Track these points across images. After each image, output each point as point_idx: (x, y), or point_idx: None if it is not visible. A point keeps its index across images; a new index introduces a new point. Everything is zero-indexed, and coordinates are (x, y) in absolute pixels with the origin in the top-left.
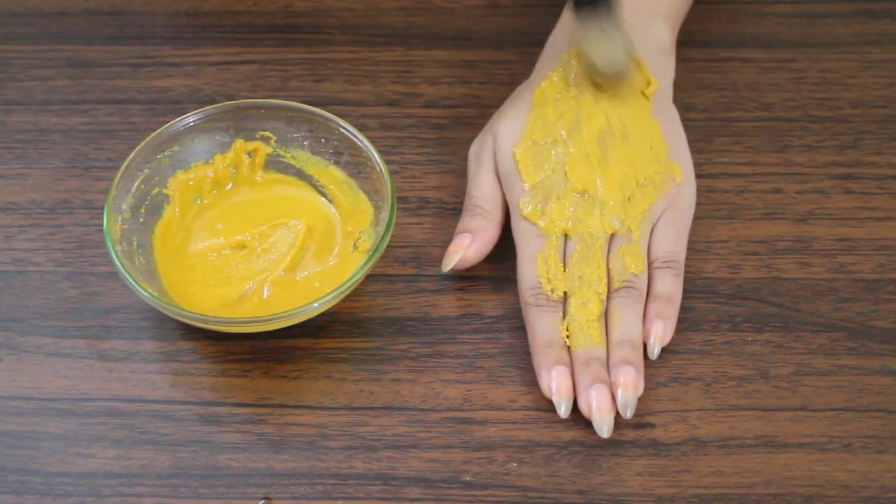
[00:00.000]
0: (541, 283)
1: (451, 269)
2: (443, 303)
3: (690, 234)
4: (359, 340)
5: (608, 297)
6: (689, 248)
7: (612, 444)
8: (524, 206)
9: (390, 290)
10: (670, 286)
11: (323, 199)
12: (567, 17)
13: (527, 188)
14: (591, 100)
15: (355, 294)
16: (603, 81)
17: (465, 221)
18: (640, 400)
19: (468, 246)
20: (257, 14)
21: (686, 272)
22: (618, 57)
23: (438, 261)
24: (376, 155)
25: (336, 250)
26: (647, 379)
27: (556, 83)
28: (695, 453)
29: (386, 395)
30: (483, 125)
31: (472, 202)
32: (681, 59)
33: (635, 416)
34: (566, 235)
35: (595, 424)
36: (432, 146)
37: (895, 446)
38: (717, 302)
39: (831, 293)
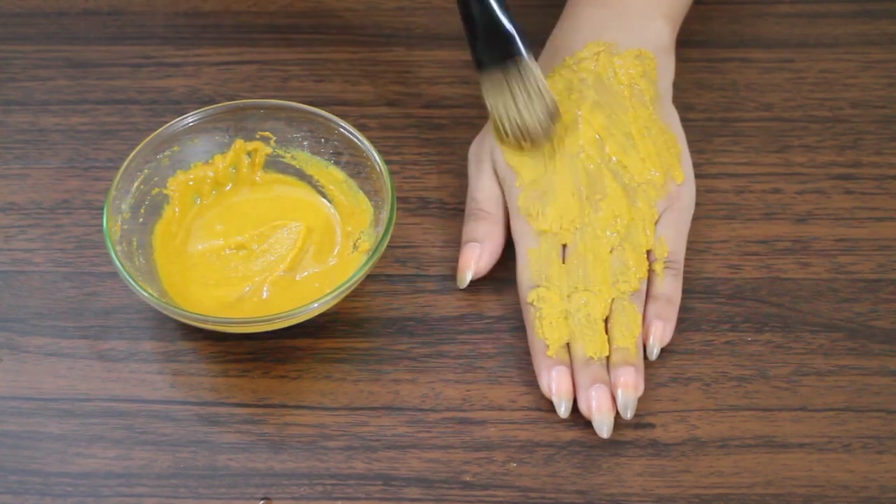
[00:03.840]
0: (541, 283)
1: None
2: (443, 303)
3: (690, 234)
4: (359, 340)
5: (608, 298)
6: (688, 248)
7: (612, 445)
8: (523, 206)
9: (390, 290)
10: (670, 286)
11: (323, 199)
12: (567, 18)
13: (526, 188)
14: (591, 102)
15: (355, 294)
16: (514, 144)
17: (471, 228)
18: (640, 400)
19: (479, 257)
20: (257, 14)
21: (686, 272)
22: (531, 120)
23: (438, 261)
24: (376, 155)
25: (336, 250)
26: (647, 379)
27: (556, 84)
28: (695, 453)
29: (386, 395)
30: (483, 125)
31: (475, 205)
32: (681, 59)
33: (635, 416)
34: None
35: (595, 425)
36: (432, 146)
37: (895, 446)
38: (716, 302)
39: (831, 293)
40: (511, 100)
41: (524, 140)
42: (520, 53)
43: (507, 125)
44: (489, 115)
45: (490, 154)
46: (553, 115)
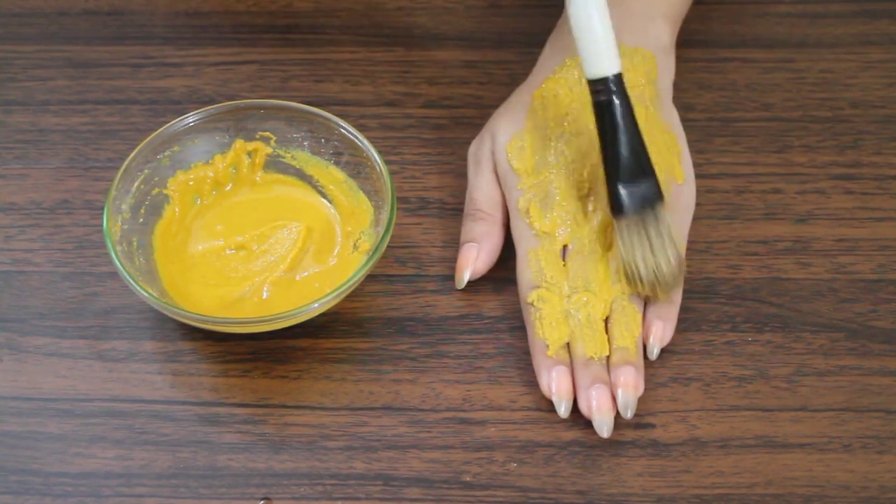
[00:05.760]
0: (541, 284)
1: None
2: (443, 303)
3: (690, 234)
4: (359, 340)
5: (608, 298)
6: (689, 248)
7: (612, 445)
8: (524, 207)
9: (390, 290)
10: None
11: (323, 199)
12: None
13: (525, 189)
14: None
15: (355, 294)
16: (648, 292)
17: (469, 228)
18: (640, 400)
19: (476, 257)
20: (257, 14)
21: (686, 272)
22: (666, 267)
23: (438, 261)
24: (376, 155)
25: (336, 251)
26: (647, 379)
27: (556, 85)
28: (695, 453)
29: (386, 395)
30: (483, 125)
31: (474, 206)
32: (681, 59)
33: (635, 416)
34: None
35: (595, 425)
36: (432, 146)
37: (895, 446)
38: (717, 302)
39: (831, 293)
40: (649, 248)
41: (658, 287)
42: (661, 198)
43: (642, 274)
44: (622, 263)
45: (490, 154)
46: (681, 261)
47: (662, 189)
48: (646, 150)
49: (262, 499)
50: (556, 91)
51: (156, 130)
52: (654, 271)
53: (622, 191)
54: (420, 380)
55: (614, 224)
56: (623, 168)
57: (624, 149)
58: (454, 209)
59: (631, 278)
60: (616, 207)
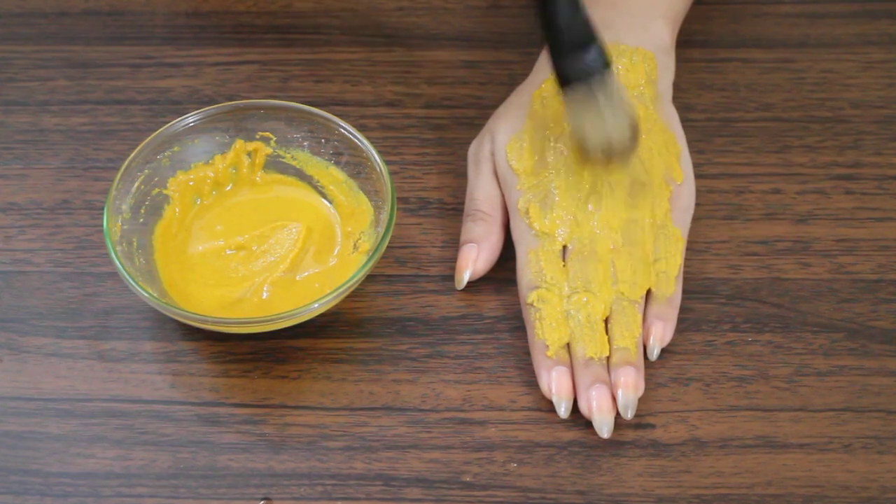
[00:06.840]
0: (541, 284)
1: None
2: (443, 303)
3: (690, 235)
4: (359, 341)
5: (608, 298)
6: (689, 248)
7: (612, 445)
8: (523, 208)
9: (390, 290)
10: (670, 287)
11: (323, 199)
12: None
13: (525, 189)
14: None
15: (355, 294)
16: (601, 162)
17: (468, 229)
18: (640, 400)
19: (476, 258)
20: (257, 14)
21: (686, 272)
22: (618, 135)
23: (438, 261)
24: (376, 155)
25: (336, 251)
26: (648, 379)
27: (556, 85)
28: (695, 454)
29: (386, 396)
30: (483, 125)
31: (474, 206)
32: (681, 59)
33: (635, 416)
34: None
35: (595, 425)
36: (432, 146)
37: (895, 446)
38: (717, 302)
39: (831, 293)
40: (599, 116)
41: (611, 157)
42: (609, 65)
43: (593, 144)
44: (572, 134)
45: (489, 155)
46: (635, 127)
47: (661, 189)
48: (587, 18)
49: (262, 499)
50: (556, 91)
51: (156, 130)
52: (604, 138)
53: (564, 62)
54: (420, 380)
55: (562, 98)
56: (564, 39)
57: (563, 19)
58: (454, 209)
59: (582, 148)
60: (560, 80)
